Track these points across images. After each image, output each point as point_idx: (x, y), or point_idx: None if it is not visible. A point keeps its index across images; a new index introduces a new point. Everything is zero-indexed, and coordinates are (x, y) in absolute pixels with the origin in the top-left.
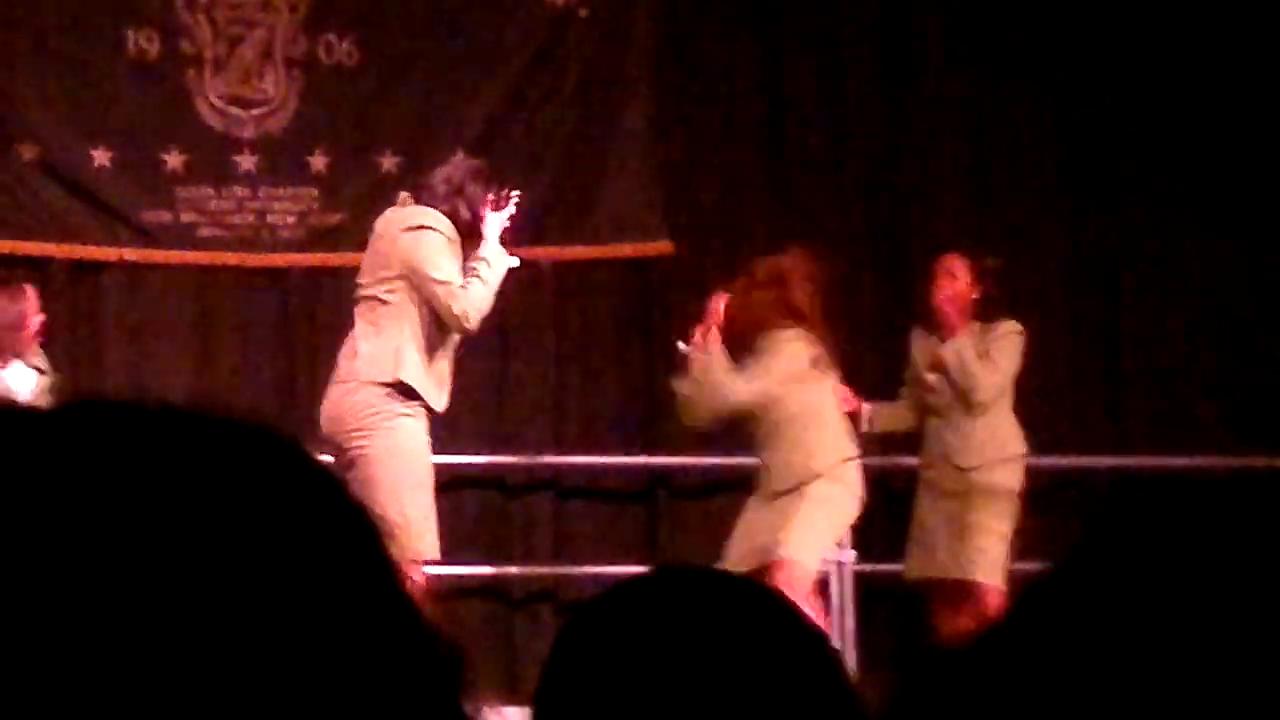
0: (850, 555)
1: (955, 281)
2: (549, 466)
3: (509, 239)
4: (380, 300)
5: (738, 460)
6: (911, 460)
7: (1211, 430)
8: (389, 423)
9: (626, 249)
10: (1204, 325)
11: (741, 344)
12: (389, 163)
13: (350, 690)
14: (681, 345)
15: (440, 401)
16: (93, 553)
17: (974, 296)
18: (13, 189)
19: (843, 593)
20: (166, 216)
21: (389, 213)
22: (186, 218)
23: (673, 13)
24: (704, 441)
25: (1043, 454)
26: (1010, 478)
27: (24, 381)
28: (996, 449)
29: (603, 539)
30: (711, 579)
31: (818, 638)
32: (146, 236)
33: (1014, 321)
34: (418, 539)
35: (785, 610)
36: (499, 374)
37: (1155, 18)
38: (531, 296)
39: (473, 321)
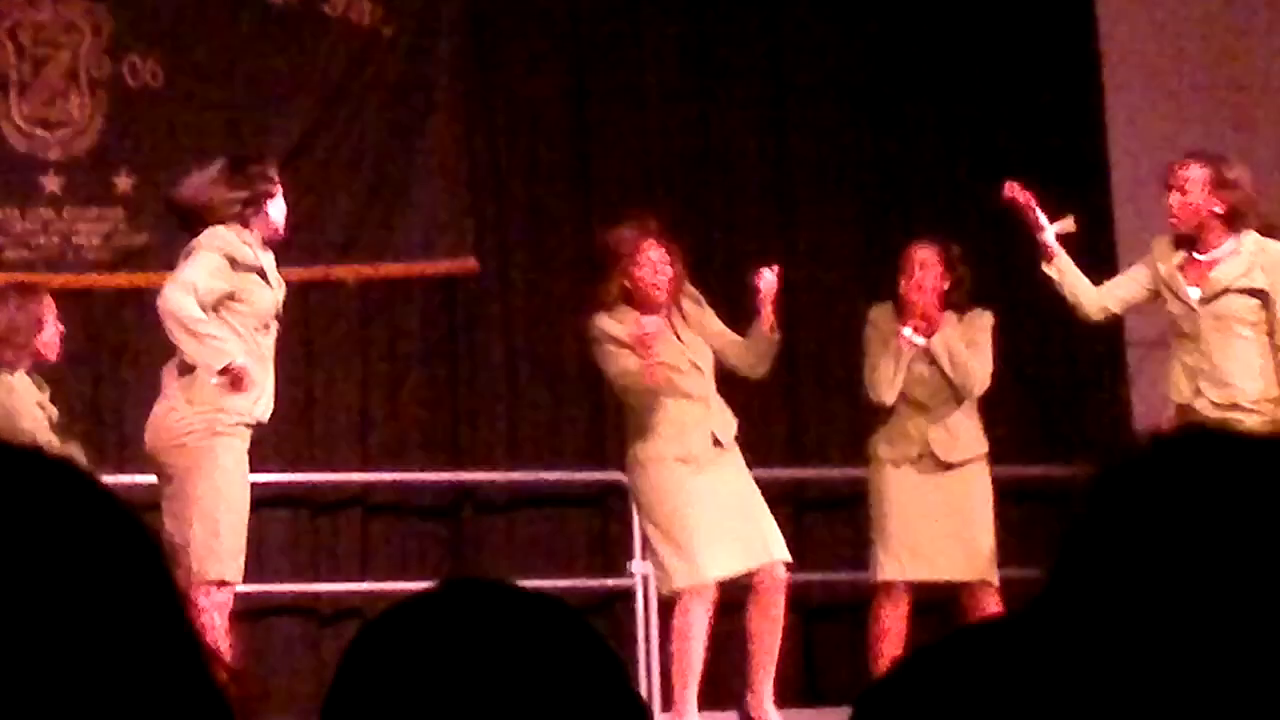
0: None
1: (927, 271)
2: (355, 484)
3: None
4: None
5: (541, 475)
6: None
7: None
8: (207, 440)
9: (433, 267)
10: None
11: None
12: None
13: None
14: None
15: (265, 410)
16: None
17: (945, 286)
18: None
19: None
20: None
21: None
22: None
23: (478, 30)
24: (509, 456)
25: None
26: (986, 472)
27: (28, 392)
28: (979, 443)
29: (410, 555)
30: (501, 592)
31: (609, 655)
32: None
33: (988, 312)
34: (222, 562)
35: (575, 623)
36: (305, 391)
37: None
38: (338, 313)
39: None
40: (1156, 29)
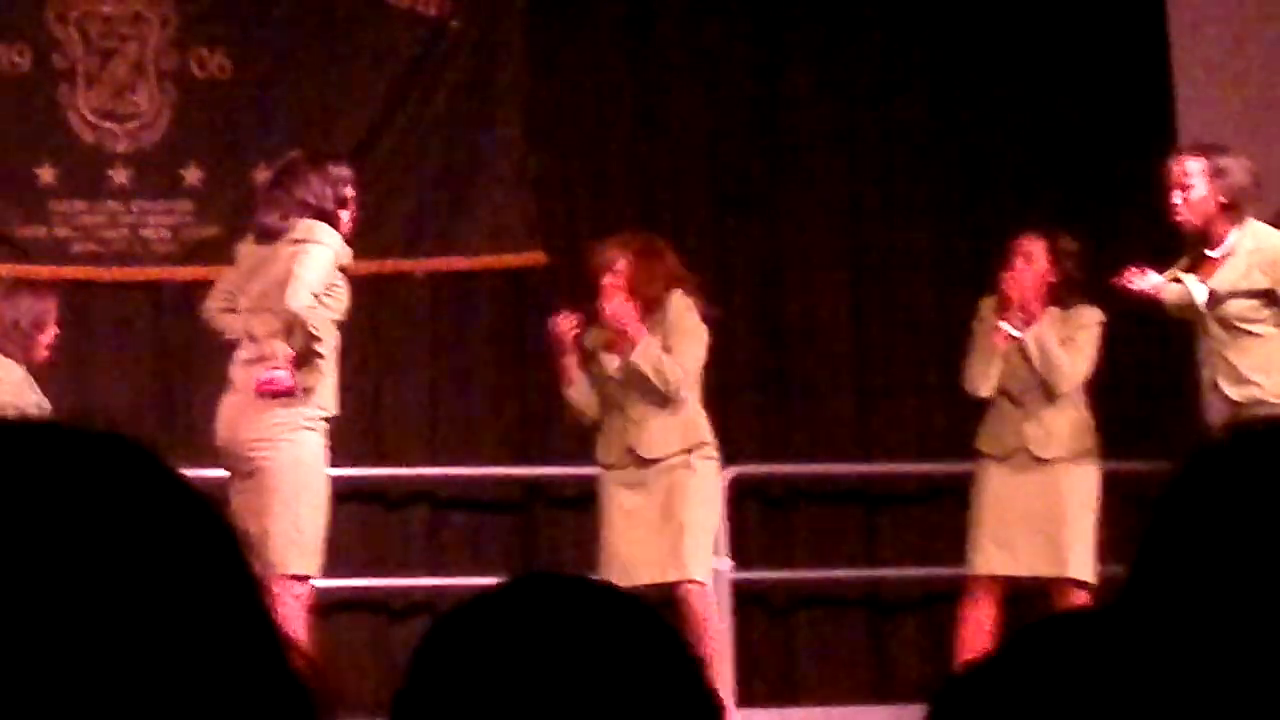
0: (727, 564)
1: (1032, 264)
2: (425, 478)
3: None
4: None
5: None
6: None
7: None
8: (292, 434)
9: (500, 260)
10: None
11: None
12: (263, 176)
13: (196, 705)
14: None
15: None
16: None
17: (1052, 280)
18: None
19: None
20: (40, 231)
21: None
22: (60, 232)
23: (545, 23)
24: (579, 450)
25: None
26: (1094, 470)
27: (25, 390)
28: (1078, 439)
29: (479, 550)
30: (573, 586)
31: (684, 649)
32: (20, 252)
33: (1095, 309)
34: (304, 556)
35: (649, 617)
36: (373, 385)
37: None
38: (406, 308)
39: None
40: (1225, 16)
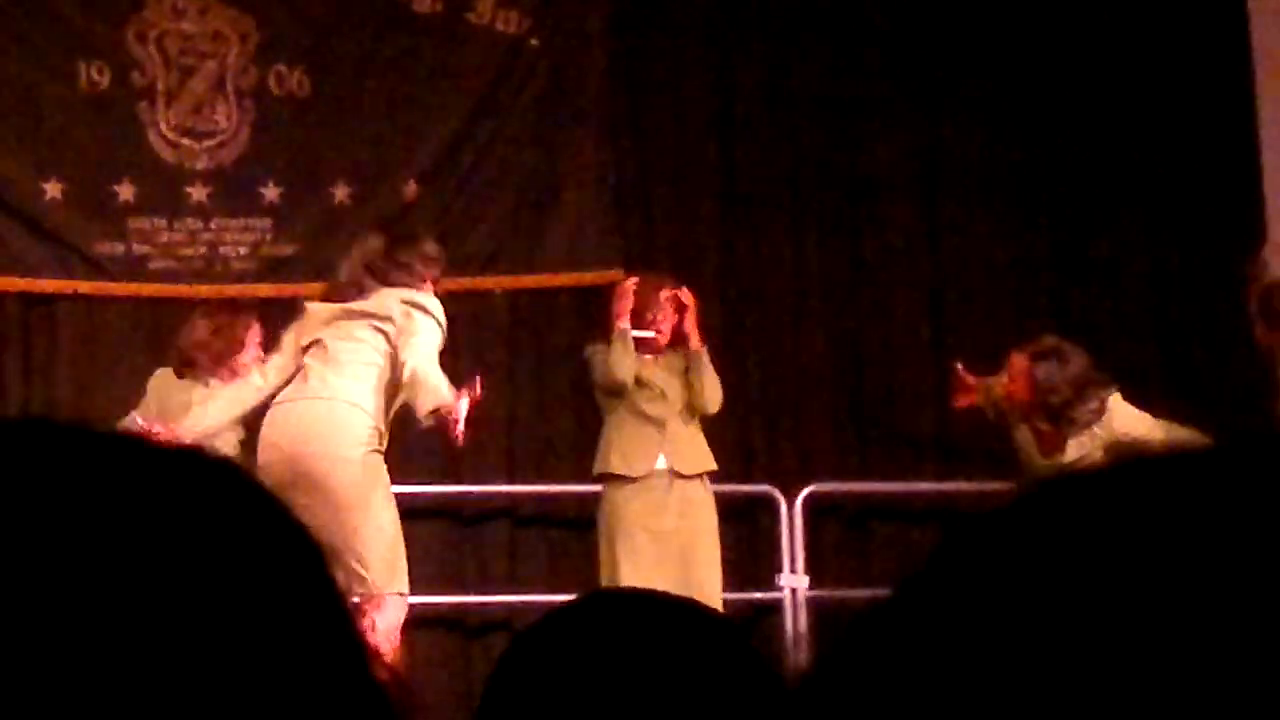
0: (804, 581)
1: (1015, 381)
2: (503, 495)
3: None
4: (358, 339)
5: None
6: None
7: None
8: (376, 455)
9: (579, 277)
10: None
11: None
12: (341, 193)
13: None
14: None
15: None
16: (27, 573)
17: (1032, 400)
18: None
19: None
20: (119, 248)
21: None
22: (139, 249)
23: (624, 40)
24: None
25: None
26: None
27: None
28: None
29: (557, 568)
30: (642, 601)
31: (762, 663)
32: (99, 269)
33: (1104, 394)
34: (399, 574)
35: (721, 628)
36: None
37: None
38: (484, 325)
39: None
40: None
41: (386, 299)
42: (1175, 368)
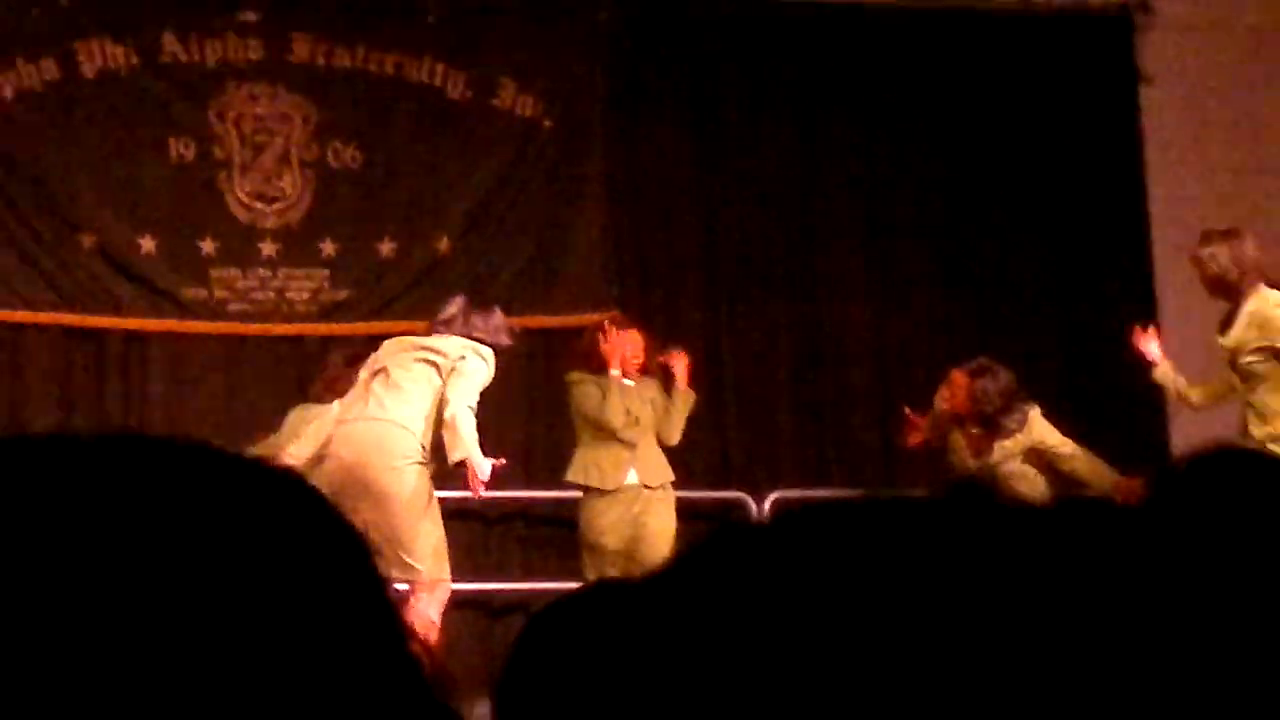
0: None
1: (953, 394)
2: (520, 500)
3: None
4: (415, 370)
5: (678, 495)
6: None
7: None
8: (419, 466)
9: (583, 318)
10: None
11: None
12: (386, 248)
13: (332, 695)
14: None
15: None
16: (96, 560)
17: (969, 410)
18: (75, 272)
19: None
20: (202, 294)
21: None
22: (219, 295)
23: (621, 122)
24: None
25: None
26: None
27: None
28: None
29: (565, 559)
30: (642, 591)
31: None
32: (186, 311)
33: (1023, 411)
34: (446, 564)
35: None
36: (479, 421)
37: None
38: (504, 356)
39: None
40: (1192, 119)
41: (448, 341)
42: (1077, 395)
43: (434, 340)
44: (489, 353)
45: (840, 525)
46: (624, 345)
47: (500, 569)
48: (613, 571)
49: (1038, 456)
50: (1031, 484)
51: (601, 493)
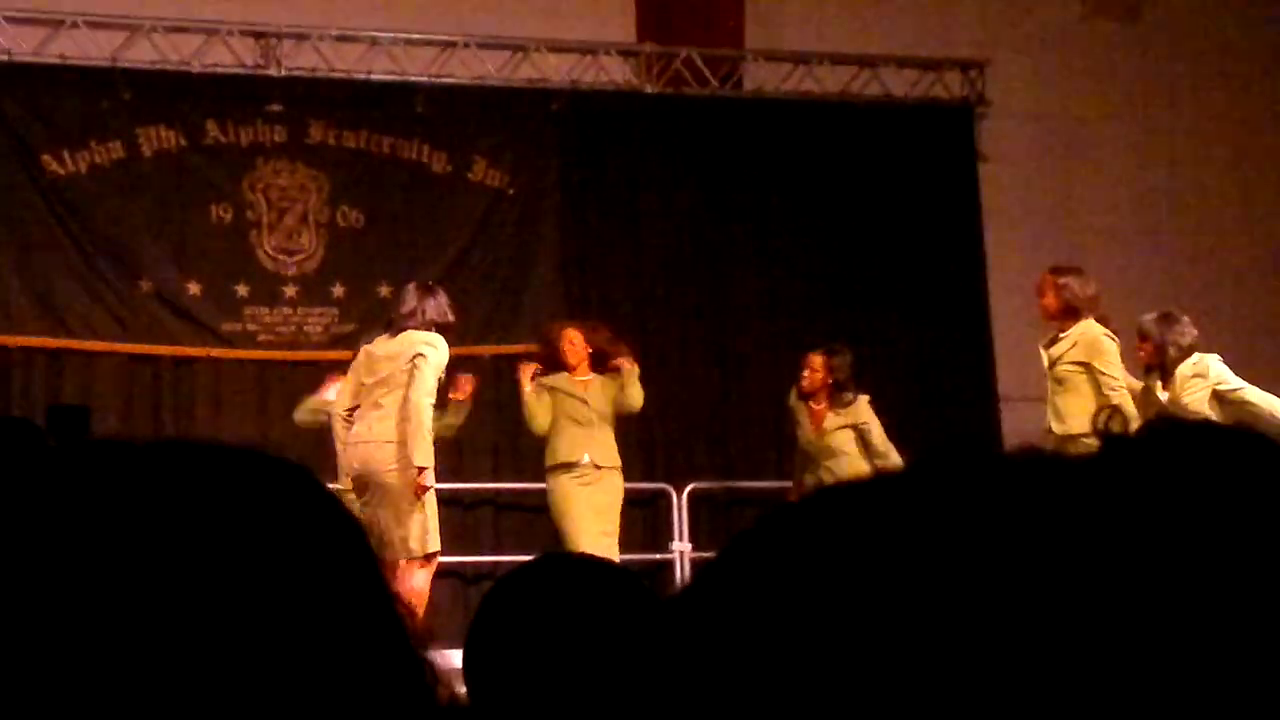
0: (688, 546)
1: (815, 371)
2: (490, 490)
3: (455, 340)
4: (385, 379)
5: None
6: None
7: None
8: (406, 465)
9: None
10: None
11: None
12: (384, 290)
13: (325, 666)
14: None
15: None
16: (95, 549)
17: (829, 382)
18: (136, 310)
19: None
20: (237, 327)
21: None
22: (250, 328)
23: (572, 192)
24: None
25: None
26: None
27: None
28: None
29: (525, 536)
30: (585, 562)
31: (649, 595)
32: (224, 341)
33: (863, 396)
34: (436, 540)
35: (626, 577)
36: (459, 429)
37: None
38: (478, 374)
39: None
40: (1022, 192)
41: (407, 343)
42: (921, 402)
43: (398, 345)
44: (440, 340)
45: (875, 502)
46: (557, 347)
47: (474, 544)
48: (581, 537)
49: (859, 438)
50: (853, 463)
51: (565, 468)
